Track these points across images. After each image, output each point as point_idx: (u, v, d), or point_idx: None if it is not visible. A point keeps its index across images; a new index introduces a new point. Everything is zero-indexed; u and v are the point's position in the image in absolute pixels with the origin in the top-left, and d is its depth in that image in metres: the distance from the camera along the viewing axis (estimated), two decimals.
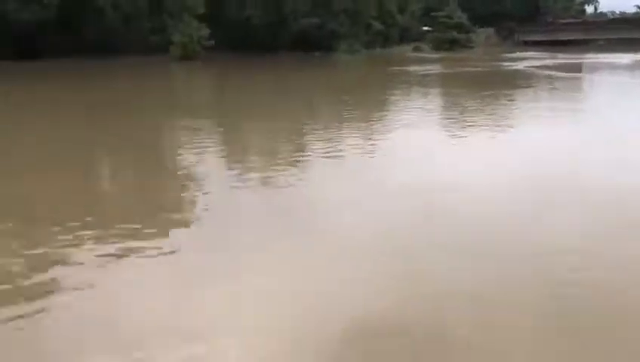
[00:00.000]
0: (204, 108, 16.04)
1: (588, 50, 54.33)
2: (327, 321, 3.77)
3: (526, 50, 55.73)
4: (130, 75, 31.64)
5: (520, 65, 32.72)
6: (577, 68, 33.86)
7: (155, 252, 4.97)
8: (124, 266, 4.77)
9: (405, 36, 66.85)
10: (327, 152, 9.21)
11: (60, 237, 5.31)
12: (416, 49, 59.47)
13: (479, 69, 33.31)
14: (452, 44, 58.79)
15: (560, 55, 46.03)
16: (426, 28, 64.78)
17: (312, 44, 58.14)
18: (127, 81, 27.84)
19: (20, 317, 3.84)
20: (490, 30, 69.04)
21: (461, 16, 61.19)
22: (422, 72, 30.10)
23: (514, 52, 53.54)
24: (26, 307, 3.98)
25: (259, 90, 22.55)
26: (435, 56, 50.15)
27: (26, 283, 4.40)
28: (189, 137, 11.27)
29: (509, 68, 32.62)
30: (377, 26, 60.84)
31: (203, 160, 8.97)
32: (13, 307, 3.97)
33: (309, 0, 62.25)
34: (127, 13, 49.68)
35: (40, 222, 5.93)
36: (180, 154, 9.79)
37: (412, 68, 33.64)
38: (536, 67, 30.76)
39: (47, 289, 4.27)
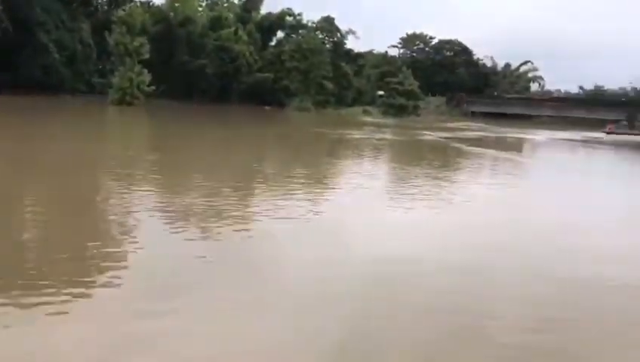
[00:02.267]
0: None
1: (529, 126, 55.85)
2: None
3: (472, 121, 57.07)
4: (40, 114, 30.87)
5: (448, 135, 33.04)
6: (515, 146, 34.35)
7: None
8: None
9: (359, 99, 67.96)
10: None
11: None
12: (366, 112, 60.17)
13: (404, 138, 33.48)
14: (400, 111, 59.78)
15: (500, 128, 47.16)
16: (380, 93, 65.74)
17: (264, 98, 58.43)
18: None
19: None
20: (442, 99, 70.88)
21: (413, 84, 62.47)
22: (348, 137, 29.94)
23: (459, 121, 54.69)
24: None
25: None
26: (380, 120, 50.57)
27: None
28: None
29: (434, 140, 32.86)
30: (329, 86, 61.74)
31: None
32: None
33: (265, 55, 62.88)
34: (71, 53, 49.02)
35: None
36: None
37: (342, 131, 33.60)
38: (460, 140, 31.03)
39: None
